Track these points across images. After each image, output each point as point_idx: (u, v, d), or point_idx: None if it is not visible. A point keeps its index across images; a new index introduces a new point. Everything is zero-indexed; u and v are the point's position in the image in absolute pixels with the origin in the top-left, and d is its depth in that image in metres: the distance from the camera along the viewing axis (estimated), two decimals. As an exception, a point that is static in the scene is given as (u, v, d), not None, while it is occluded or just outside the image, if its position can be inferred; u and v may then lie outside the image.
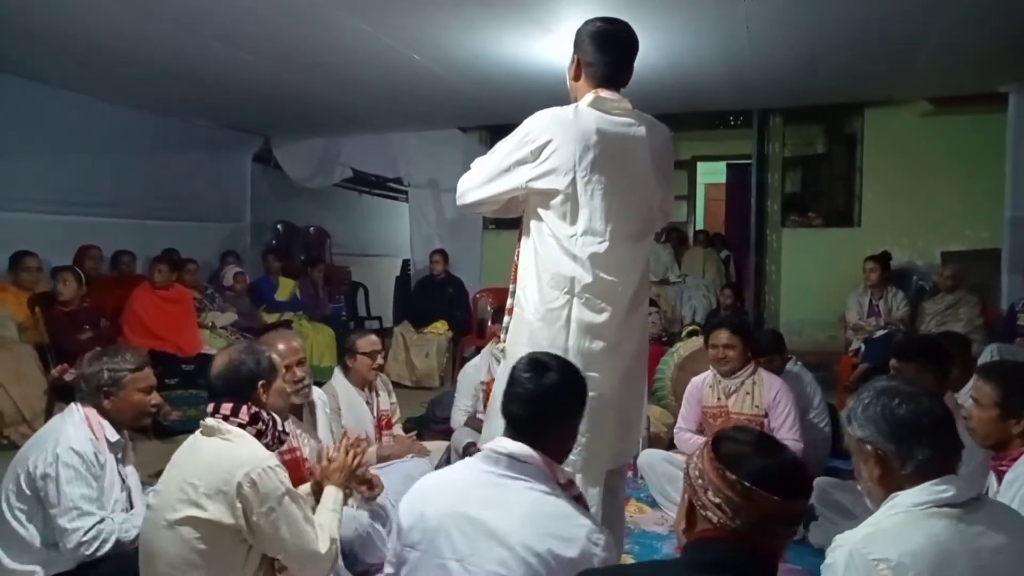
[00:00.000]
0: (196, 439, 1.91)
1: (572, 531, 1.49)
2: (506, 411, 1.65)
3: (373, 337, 3.47)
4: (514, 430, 1.62)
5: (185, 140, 6.97)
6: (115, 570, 2.08)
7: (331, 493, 2.09)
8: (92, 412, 2.26)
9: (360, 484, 2.53)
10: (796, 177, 7.98)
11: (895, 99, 6.32)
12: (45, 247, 5.19)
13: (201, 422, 1.91)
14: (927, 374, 2.73)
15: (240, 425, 1.88)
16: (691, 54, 4.81)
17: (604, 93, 2.07)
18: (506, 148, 2.10)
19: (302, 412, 2.88)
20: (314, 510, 2.02)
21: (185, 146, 6.97)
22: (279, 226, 8.78)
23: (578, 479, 1.91)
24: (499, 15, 4.12)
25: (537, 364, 1.66)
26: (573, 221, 2.01)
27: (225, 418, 1.88)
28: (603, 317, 2.02)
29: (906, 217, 6.47)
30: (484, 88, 5.69)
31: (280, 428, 2.00)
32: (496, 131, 7.98)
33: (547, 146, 2.01)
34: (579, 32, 2.11)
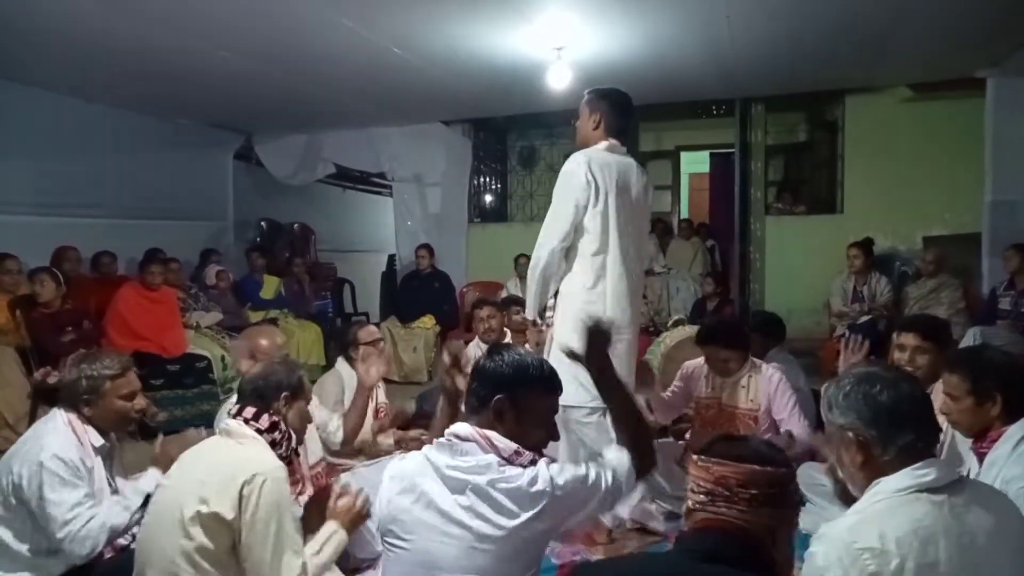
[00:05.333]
0: (213, 440, 1.92)
1: (515, 507, 1.56)
2: None
3: (371, 327, 3.53)
4: (466, 407, 1.75)
5: (165, 138, 6.89)
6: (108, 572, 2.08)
7: (330, 529, 1.96)
8: (75, 418, 2.23)
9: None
10: (779, 165, 8.05)
11: (875, 86, 6.36)
12: (25, 249, 5.11)
13: (223, 424, 1.92)
14: (943, 354, 2.70)
15: (258, 431, 1.89)
16: (673, 44, 4.81)
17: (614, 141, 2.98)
18: None
19: None
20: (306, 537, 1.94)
21: (165, 144, 6.89)
22: (262, 223, 8.72)
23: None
24: (478, 5, 4.10)
25: (494, 348, 1.79)
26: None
27: (246, 421, 1.89)
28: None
29: (888, 203, 6.52)
30: (466, 81, 5.67)
31: (295, 446, 2.00)
32: (479, 124, 7.98)
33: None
34: (597, 95, 2.99)
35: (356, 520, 2.03)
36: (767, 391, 3.30)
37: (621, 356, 2.82)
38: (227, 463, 1.78)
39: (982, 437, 1.98)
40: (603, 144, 2.93)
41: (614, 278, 2.90)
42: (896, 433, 1.40)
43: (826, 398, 1.52)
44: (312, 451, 2.79)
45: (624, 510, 2.83)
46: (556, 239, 2.87)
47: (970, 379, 1.96)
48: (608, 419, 2.74)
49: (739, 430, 3.30)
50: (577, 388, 2.69)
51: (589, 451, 2.80)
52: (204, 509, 1.72)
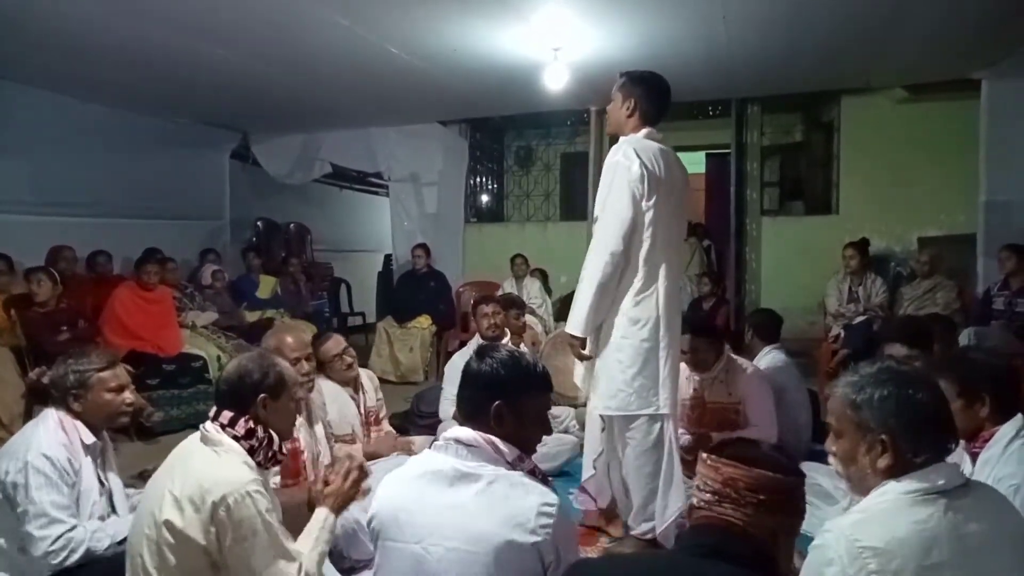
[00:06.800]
0: (194, 443, 1.86)
1: (522, 506, 1.53)
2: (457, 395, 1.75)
3: (338, 337, 3.36)
4: (460, 413, 1.72)
5: (161, 137, 6.87)
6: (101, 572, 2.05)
7: (321, 517, 1.92)
8: (65, 415, 2.22)
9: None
10: (775, 166, 8.06)
11: (871, 87, 6.38)
12: (20, 248, 5.11)
13: (202, 427, 1.87)
14: (929, 356, 2.72)
15: (235, 438, 1.83)
16: (670, 44, 4.82)
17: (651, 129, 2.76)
18: None
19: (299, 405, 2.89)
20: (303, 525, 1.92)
21: (161, 144, 6.88)
22: (259, 223, 8.71)
23: None
24: (475, 5, 4.10)
25: (483, 350, 1.74)
26: None
27: (222, 427, 1.84)
28: None
29: (883, 203, 6.55)
30: (463, 81, 5.67)
31: (276, 448, 1.91)
32: (476, 124, 7.98)
33: None
34: (631, 79, 2.76)
35: (345, 501, 1.99)
36: (745, 387, 3.35)
37: (668, 373, 2.67)
38: (200, 477, 1.71)
39: (974, 437, 1.99)
40: (642, 132, 2.72)
41: (664, 280, 2.65)
42: (930, 440, 1.39)
43: (855, 395, 1.45)
44: (324, 454, 2.78)
45: (660, 524, 2.73)
46: (616, 241, 2.56)
47: (958, 382, 1.96)
48: (665, 427, 2.71)
49: (723, 424, 3.37)
50: (630, 396, 2.63)
51: (631, 464, 2.71)
52: (178, 523, 1.67)
